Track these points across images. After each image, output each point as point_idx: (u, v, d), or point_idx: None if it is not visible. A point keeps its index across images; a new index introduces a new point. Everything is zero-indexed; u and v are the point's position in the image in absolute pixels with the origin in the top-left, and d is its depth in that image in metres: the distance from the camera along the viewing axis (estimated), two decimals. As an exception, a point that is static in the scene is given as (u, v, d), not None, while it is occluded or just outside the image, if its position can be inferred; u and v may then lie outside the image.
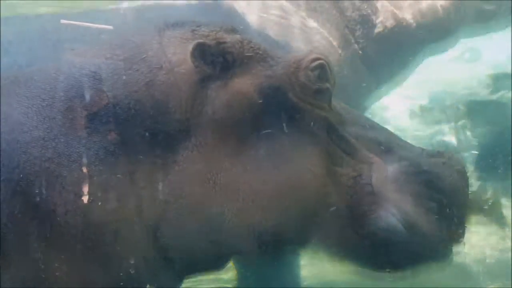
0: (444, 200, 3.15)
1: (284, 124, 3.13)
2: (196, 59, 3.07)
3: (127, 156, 3.04)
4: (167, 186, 3.04)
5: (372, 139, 3.32)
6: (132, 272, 3.07)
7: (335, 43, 5.86)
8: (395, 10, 6.09)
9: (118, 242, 2.99)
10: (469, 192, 3.32)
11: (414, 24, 6.12)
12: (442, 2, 6.24)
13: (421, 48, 6.28)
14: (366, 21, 5.98)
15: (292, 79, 3.16)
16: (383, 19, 6.01)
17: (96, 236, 2.95)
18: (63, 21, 4.82)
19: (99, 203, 2.96)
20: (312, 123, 3.16)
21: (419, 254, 3.14)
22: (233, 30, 3.36)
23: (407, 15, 6.11)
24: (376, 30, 5.97)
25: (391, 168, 3.22)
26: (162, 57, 3.17)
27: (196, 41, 3.08)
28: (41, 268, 2.86)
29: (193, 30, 3.27)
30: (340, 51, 5.87)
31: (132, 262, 3.05)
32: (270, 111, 3.12)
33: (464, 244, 3.22)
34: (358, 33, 5.94)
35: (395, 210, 3.10)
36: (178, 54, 3.17)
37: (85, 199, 2.95)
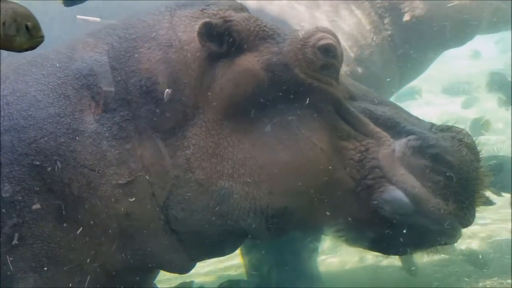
0: (452, 174, 3.14)
1: (290, 100, 3.18)
2: (202, 38, 3.14)
3: (138, 131, 3.15)
4: (176, 161, 3.13)
5: (381, 114, 3.33)
6: (145, 248, 3.18)
7: (367, 28, 5.90)
8: (423, 0, 6.08)
9: (130, 217, 3.10)
10: (479, 167, 3.29)
11: (441, 16, 6.11)
12: None
13: (444, 40, 6.27)
14: (394, 9, 5.99)
15: (299, 55, 3.20)
16: (411, 8, 6.00)
17: (109, 211, 3.07)
18: (79, 16, 4.96)
19: (112, 178, 3.08)
20: (318, 98, 3.20)
21: (426, 227, 3.14)
22: (242, 9, 3.41)
23: (435, 6, 6.10)
24: (404, 18, 5.97)
25: (398, 143, 3.23)
26: (172, 36, 3.25)
27: (202, 21, 3.15)
28: (55, 243, 2.99)
29: (202, 9, 3.34)
30: (372, 36, 5.90)
31: (144, 238, 3.16)
32: (276, 87, 3.17)
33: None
34: (387, 20, 5.96)
35: (401, 184, 3.12)
36: (187, 32, 3.25)
37: (99, 174, 3.07)
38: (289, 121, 3.15)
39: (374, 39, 5.89)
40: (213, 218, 3.17)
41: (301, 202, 3.16)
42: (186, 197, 3.14)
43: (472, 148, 3.30)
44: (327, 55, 3.23)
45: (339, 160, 3.19)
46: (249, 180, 3.10)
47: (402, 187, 3.12)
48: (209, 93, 3.17)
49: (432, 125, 3.40)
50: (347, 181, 3.18)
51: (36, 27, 2.37)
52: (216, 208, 3.14)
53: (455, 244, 4.55)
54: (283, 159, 3.11)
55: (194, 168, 3.12)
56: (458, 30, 6.30)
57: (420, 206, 3.10)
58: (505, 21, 6.64)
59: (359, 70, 5.69)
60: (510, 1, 6.48)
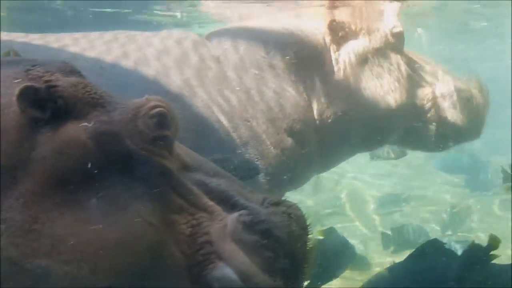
0: (280, 250, 3.18)
1: (120, 172, 3.03)
2: (22, 103, 2.90)
3: None
4: None
5: (215, 187, 3.31)
6: None
7: (301, 104, 6.08)
8: (345, 99, 6.33)
9: None
10: (307, 241, 3.38)
11: (361, 117, 6.39)
12: (395, 105, 6.52)
13: (357, 142, 6.51)
14: (320, 98, 6.23)
15: (130, 126, 3.08)
16: (330, 103, 6.22)
17: None
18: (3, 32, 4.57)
19: None
20: (150, 171, 3.09)
21: None
22: (72, 72, 3.23)
23: (356, 106, 6.37)
24: (325, 113, 6.18)
25: (231, 217, 3.21)
26: None
27: (23, 85, 2.91)
28: None
29: (27, 70, 3.11)
30: (304, 113, 6.09)
31: None
32: (105, 158, 3.01)
33: None
34: (314, 105, 6.18)
35: (230, 260, 3.09)
36: (8, 95, 2.98)
37: None
38: (117, 194, 2.99)
39: (306, 116, 6.07)
40: None
41: (128, 280, 2.97)
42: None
43: (301, 222, 3.38)
44: (160, 126, 3.14)
45: (170, 235, 3.08)
46: (70, 259, 2.86)
47: (231, 264, 3.08)
48: (29, 163, 2.91)
49: (264, 198, 3.44)
50: (177, 257, 3.07)
51: None
52: None
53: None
54: (107, 235, 2.92)
55: (6, 245, 2.81)
56: (375, 135, 6.58)
57: (248, 283, 3.08)
58: (416, 142, 6.98)
59: (289, 145, 5.77)
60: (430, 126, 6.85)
